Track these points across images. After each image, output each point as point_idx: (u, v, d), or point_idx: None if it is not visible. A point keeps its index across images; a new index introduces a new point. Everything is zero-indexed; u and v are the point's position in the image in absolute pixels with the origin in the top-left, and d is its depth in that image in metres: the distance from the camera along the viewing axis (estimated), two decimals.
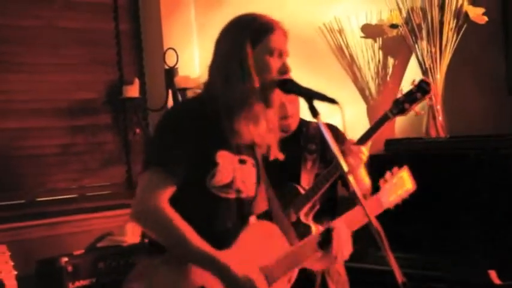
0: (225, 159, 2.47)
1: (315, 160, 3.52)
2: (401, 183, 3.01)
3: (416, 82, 3.25)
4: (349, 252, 2.69)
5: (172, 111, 2.59)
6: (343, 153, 3.21)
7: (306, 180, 3.48)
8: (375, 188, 3.06)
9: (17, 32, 5.09)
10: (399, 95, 3.31)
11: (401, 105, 3.23)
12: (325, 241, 2.64)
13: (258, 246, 2.54)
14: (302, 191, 3.44)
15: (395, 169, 3.03)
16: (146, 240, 2.64)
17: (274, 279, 2.54)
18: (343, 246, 2.65)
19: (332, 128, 3.47)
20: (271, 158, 2.61)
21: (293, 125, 3.60)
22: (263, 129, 2.51)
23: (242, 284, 2.39)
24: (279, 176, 3.39)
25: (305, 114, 3.19)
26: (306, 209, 3.41)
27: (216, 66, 2.49)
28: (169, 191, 2.39)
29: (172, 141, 2.42)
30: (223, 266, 2.38)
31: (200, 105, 2.49)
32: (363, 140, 3.27)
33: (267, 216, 2.71)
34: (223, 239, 2.47)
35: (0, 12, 5.02)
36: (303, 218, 3.40)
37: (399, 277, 2.15)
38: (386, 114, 3.26)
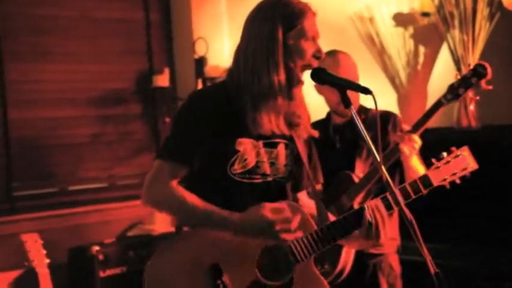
0: (246, 146, 2.46)
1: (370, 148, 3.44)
2: (458, 162, 2.64)
3: (472, 66, 3.09)
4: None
5: (192, 96, 2.55)
6: (396, 141, 3.17)
7: (360, 168, 3.40)
8: None
9: (51, 23, 5.16)
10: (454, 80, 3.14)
11: (455, 91, 3.09)
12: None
13: None
14: (356, 180, 3.36)
15: (453, 148, 2.66)
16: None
17: None
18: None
19: (388, 116, 3.43)
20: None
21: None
22: (282, 121, 2.50)
23: (257, 225, 2.37)
24: (334, 163, 3.34)
25: (366, 101, 3.13)
26: (360, 198, 3.34)
27: (244, 55, 2.45)
28: (180, 176, 2.45)
29: (188, 128, 2.45)
30: (235, 219, 2.38)
31: (222, 91, 2.48)
32: (415, 128, 3.18)
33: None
34: None
35: (35, 3, 5.08)
36: (356, 207, 3.34)
37: (432, 268, 2.13)
38: (440, 101, 3.14)
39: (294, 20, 2.40)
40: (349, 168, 3.41)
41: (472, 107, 4.17)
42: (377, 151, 2.28)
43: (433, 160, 2.59)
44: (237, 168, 2.46)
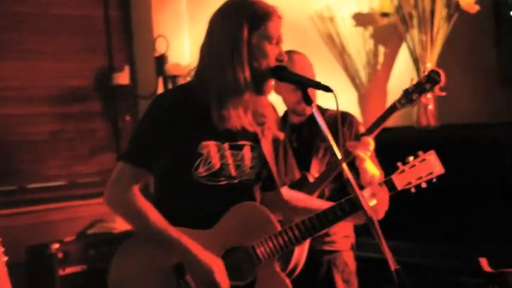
0: (210, 149, 2.46)
1: (327, 148, 3.44)
2: (424, 166, 2.70)
3: (426, 72, 3.11)
4: None
5: (155, 100, 2.54)
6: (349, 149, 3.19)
7: (316, 168, 3.39)
8: None
9: (8, 19, 5.07)
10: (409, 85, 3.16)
11: (409, 96, 3.10)
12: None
13: (240, 227, 2.50)
14: (311, 179, 3.35)
15: (420, 153, 2.73)
16: None
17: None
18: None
19: (345, 116, 3.43)
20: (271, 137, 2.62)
21: (308, 109, 3.48)
22: (250, 117, 2.50)
23: (202, 270, 2.40)
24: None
25: (323, 101, 3.16)
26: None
27: (209, 51, 2.45)
28: (141, 181, 2.48)
29: (150, 133, 2.46)
30: (185, 249, 2.40)
31: (186, 94, 2.49)
32: (370, 130, 3.21)
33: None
34: (208, 222, 2.48)
35: None
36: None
37: (392, 265, 2.16)
38: (395, 105, 3.15)
39: (259, 20, 2.39)
40: (305, 167, 3.42)
41: (431, 107, 4.23)
42: (337, 149, 2.30)
43: (399, 164, 2.61)
44: (202, 171, 2.45)
